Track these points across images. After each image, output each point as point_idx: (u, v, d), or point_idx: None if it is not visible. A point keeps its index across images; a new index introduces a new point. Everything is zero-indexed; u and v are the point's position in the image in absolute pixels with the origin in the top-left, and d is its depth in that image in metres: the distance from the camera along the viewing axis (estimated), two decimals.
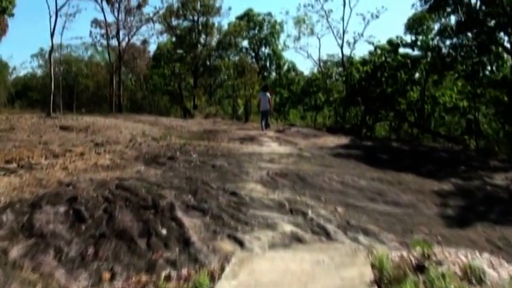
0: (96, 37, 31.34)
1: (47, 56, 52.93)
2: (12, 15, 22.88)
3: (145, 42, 47.90)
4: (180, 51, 41.91)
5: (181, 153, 12.83)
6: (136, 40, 39.60)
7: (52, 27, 23.12)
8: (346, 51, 37.72)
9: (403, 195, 9.85)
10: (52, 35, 22.98)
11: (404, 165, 13.89)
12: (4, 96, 49.28)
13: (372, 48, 28.95)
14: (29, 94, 53.41)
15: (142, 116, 25.05)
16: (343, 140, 20.10)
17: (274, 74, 51.94)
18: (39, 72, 58.64)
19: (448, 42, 23.91)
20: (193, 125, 22.33)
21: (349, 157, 14.55)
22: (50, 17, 23.49)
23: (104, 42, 31.45)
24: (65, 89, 54.28)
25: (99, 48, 48.26)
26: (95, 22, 30.68)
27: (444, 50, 24.41)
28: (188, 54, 40.07)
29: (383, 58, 26.80)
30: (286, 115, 43.62)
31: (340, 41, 36.28)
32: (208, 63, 42.86)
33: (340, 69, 39.75)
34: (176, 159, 11.76)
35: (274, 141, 17.84)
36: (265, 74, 50.38)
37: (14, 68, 59.03)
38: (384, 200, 9.26)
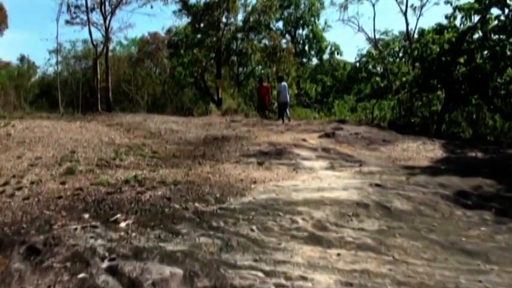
0: (73, 12, 23.59)
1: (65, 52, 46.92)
2: None
3: (170, 31, 41.14)
4: (199, 35, 34.57)
5: (93, 217, 5.25)
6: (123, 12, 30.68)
7: None
8: (411, 20, 28.13)
9: None
10: None
11: None
12: (29, 97, 44.32)
13: (449, 11, 20.35)
14: (53, 93, 48.72)
15: (130, 117, 17.63)
16: (435, 150, 12.13)
17: (314, 59, 44.10)
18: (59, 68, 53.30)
19: None
20: (196, 128, 14.72)
21: (489, 201, 6.67)
22: None
23: (84, 17, 23.51)
24: (84, 85, 48.35)
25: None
26: None
27: None
28: (208, 36, 32.74)
29: (469, 21, 18.43)
30: (330, 107, 35.79)
31: (403, 7, 27.33)
32: (234, 47, 35.27)
33: (397, 48, 31.14)
34: (44, 256, 4.15)
35: (319, 158, 10.09)
36: (304, 59, 42.77)
37: (38, 67, 53.98)
38: None
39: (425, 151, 11.81)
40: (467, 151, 12.25)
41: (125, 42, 47.90)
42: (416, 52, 19.24)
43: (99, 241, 4.51)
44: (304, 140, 12.45)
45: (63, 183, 6.61)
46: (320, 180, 7.67)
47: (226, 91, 31.54)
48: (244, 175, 7.88)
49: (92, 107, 32.96)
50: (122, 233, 4.77)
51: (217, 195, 6.40)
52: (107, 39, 24.67)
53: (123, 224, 5.04)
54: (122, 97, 44.36)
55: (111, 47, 44.72)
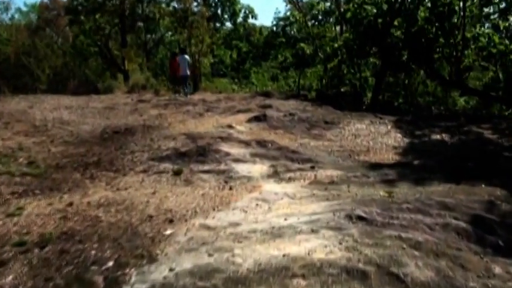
0: None
1: None
2: None
3: None
4: None
5: None
6: None
7: None
8: None
9: None
10: None
11: None
12: None
13: None
14: None
15: (16, 102, 14.05)
16: (391, 133, 10.08)
17: (228, 23, 41.58)
18: None
19: None
20: (94, 116, 11.80)
21: None
22: None
23: None
24: None
25: None
26: None
27: None
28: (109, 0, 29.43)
29: None
30: (247, 75, 33.52)
31: None
32: (139, 11, 32.07)
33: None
34: None
35: (255, 158, 7.65)
36: (217, 24, 40.12)
37: None
38: None
39: (380, 136, 9.71)
40: (429, 132, 10.33)
41: (24, 8, 43.08)
42: (349, 14, 17.01)
43: None
44: (230, 126, 10.01)
45: None
46: (268, 206, 5.20)
47: (134, 61, 28.43)
48: (155, 203, 5.29)
49: None
50: None
51: (110, 263, 3.78)
52: None
53: None
54: (23, 71, 40.09)
55: (9, 14, 40.26)
